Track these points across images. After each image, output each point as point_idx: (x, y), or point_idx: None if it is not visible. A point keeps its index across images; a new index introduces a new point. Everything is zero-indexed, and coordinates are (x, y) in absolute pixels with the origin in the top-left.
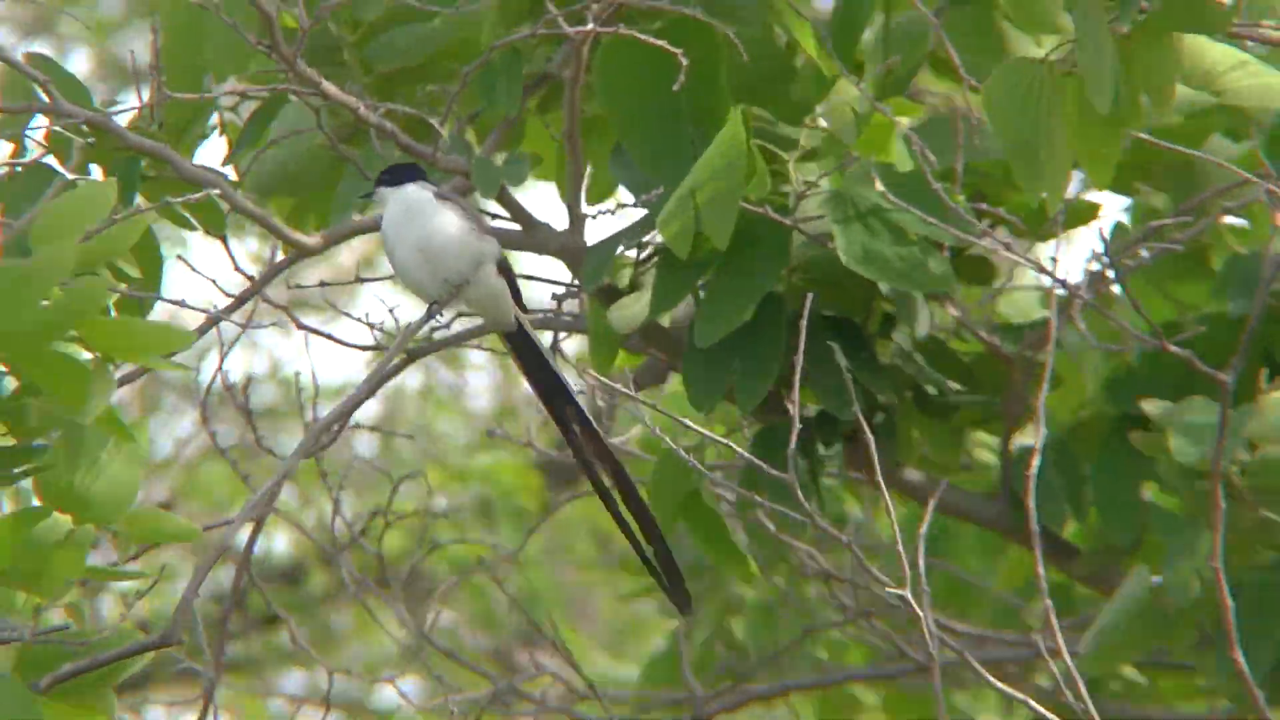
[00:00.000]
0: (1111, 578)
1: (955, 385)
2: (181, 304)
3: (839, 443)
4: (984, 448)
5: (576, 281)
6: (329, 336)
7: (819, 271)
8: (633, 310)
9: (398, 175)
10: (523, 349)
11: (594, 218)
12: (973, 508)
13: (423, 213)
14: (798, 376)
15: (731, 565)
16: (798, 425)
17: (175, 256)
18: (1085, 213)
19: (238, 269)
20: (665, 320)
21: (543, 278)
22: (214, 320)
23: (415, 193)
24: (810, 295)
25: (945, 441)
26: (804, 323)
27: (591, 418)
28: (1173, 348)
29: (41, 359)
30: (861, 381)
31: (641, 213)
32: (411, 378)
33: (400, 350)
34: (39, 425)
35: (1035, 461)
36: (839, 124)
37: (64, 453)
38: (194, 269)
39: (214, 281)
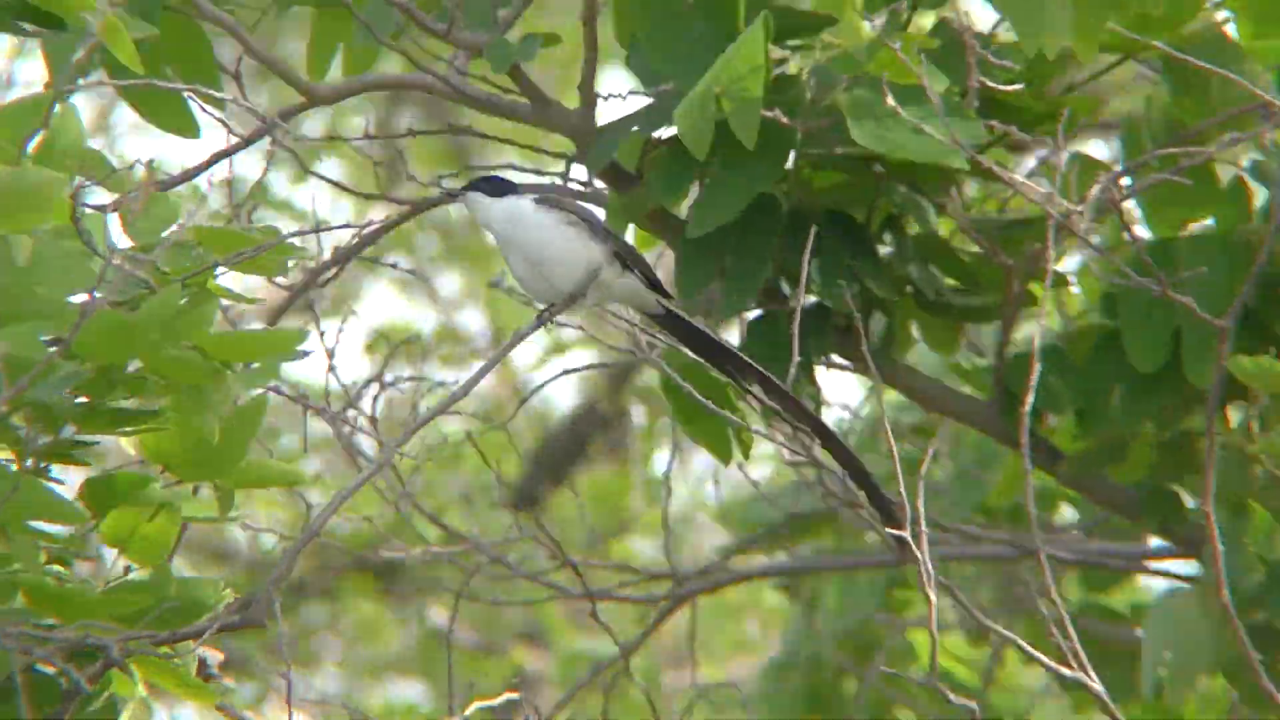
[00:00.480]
0: (1095, 483)
1: (953, 284)
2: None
3: (832, 333)
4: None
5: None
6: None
7: (825, 171)
8: (642, 199)
9: (496, 187)
10: (676, 328)
11: (605, 99)
12: (966, 410)
13: (529, 225)
14: (806, 265)
15: (714, 445)
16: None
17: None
18: (1089, 105)
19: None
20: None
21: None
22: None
23: (517, 205)
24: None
25: (942, 338)
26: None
27: (766, 373)
28: (1173, 294)
29: (160, 362)
30: (860, 276)
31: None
32: None
33: (510, 350)
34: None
35: (1034, 374)
36: (851, 44)
37: (180, 414)
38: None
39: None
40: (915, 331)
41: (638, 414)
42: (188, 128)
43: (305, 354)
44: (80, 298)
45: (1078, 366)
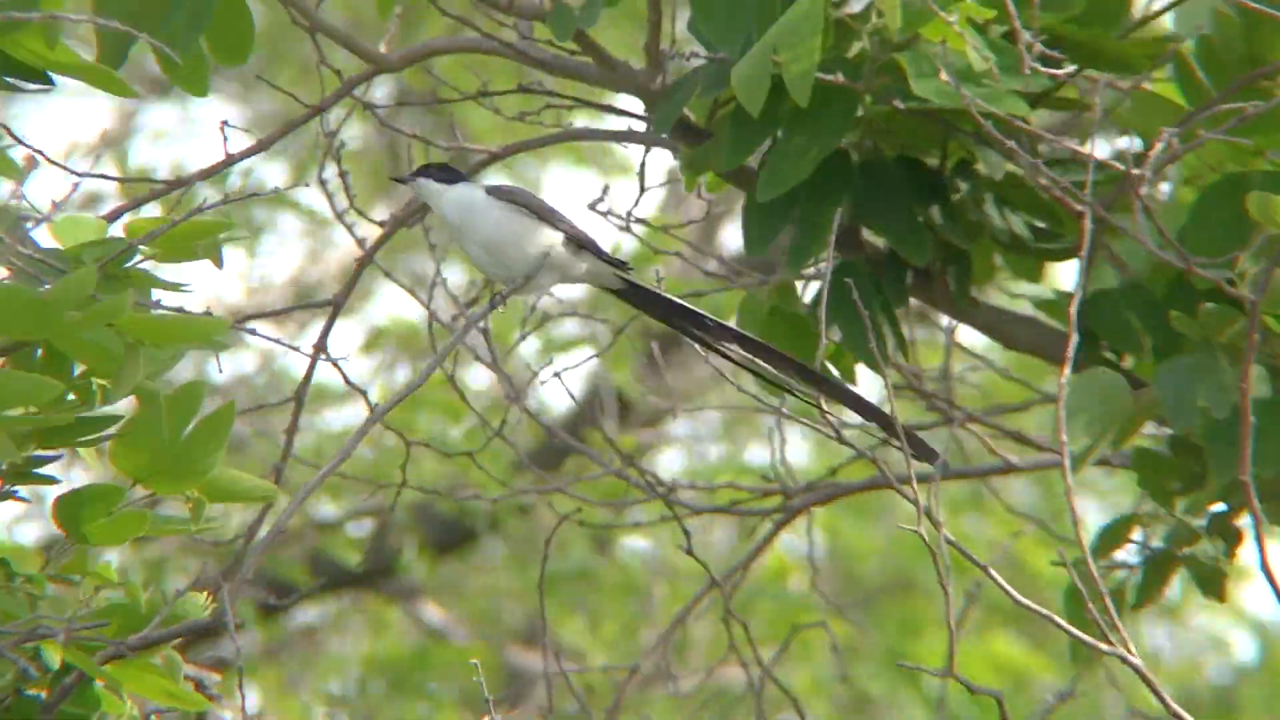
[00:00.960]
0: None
1: (1032, 223)
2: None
3: (906, 281)
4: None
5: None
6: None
7: (892, 123)
8: (711, 158)
9: (448, 175)
10: (639, 299)
11: (671, 59)
12: (1047, 346)
13: (481, 213)
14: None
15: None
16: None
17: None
18: (1155, 47)
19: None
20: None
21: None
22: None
23: (469, 193)
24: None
25: (1026, 271)
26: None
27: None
28: (1199, 270)
29: (75, 345)
30: (935, 226)
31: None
32: None
33: (467, 333)
34: (106, 398)
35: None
36: (890, 17)
37: (142, 422)
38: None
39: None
40: (998, 262)
41: None
42: (200, 84)
43: (225, 346)
44: None
45: (1156, 301)
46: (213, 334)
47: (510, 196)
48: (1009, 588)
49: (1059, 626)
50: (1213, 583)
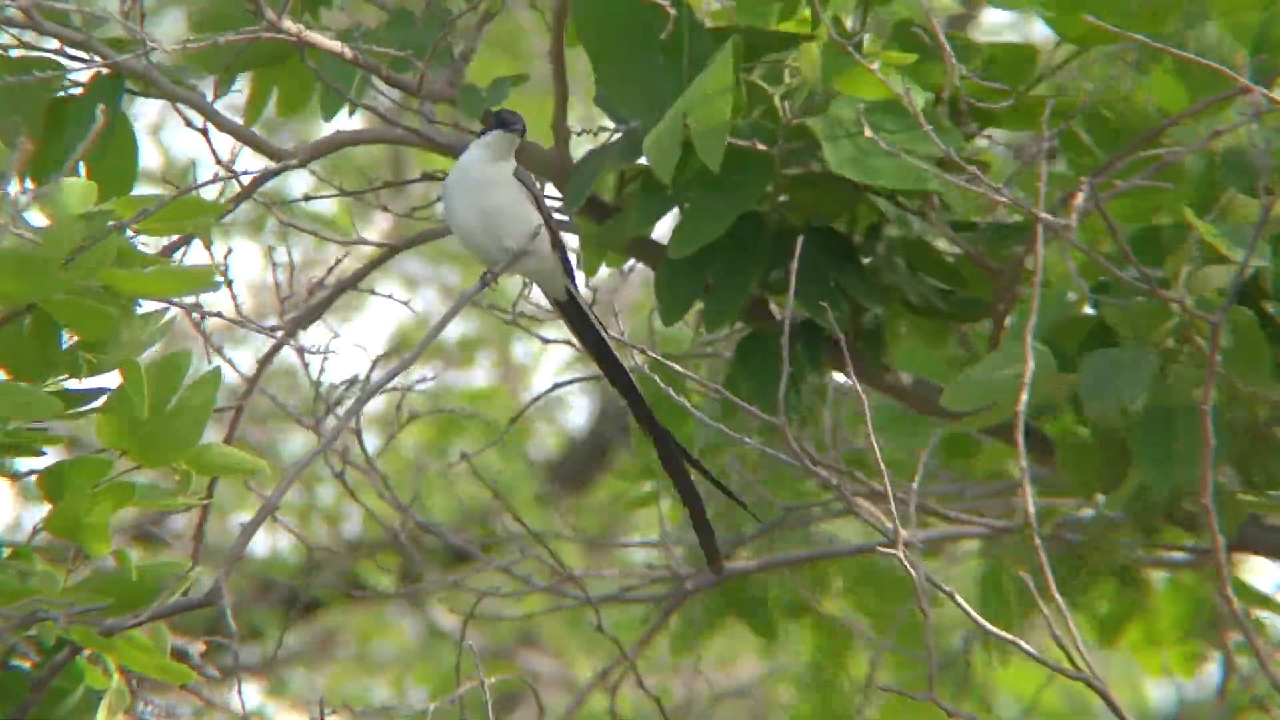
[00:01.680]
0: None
1: (942, 287)
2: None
3: (823, 345)
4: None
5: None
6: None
7: (804, 188)
8: (619, 229)
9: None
10: (574, 316)
11: (579, 134)
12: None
13: (499, 176)
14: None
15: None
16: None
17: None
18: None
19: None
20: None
21: None
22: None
23: (475, 155)
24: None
25: (933, 337)
26: (794, 258)
27: (635, 380)
28: (1163, 292)
29: (69, 309)
30: (847, 290)
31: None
32: None
33: (454, 316)
34: (94, 371)
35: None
36: (809, 69)
37: (124, 395)
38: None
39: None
40: (905, 329)
41: None
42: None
43: (217, 286)
44: None
45: (1069, 357)
46: (201, 283)
47: (526, 178)
48: (975, 614)
49: (1025, 652)
50: (1130, 578)
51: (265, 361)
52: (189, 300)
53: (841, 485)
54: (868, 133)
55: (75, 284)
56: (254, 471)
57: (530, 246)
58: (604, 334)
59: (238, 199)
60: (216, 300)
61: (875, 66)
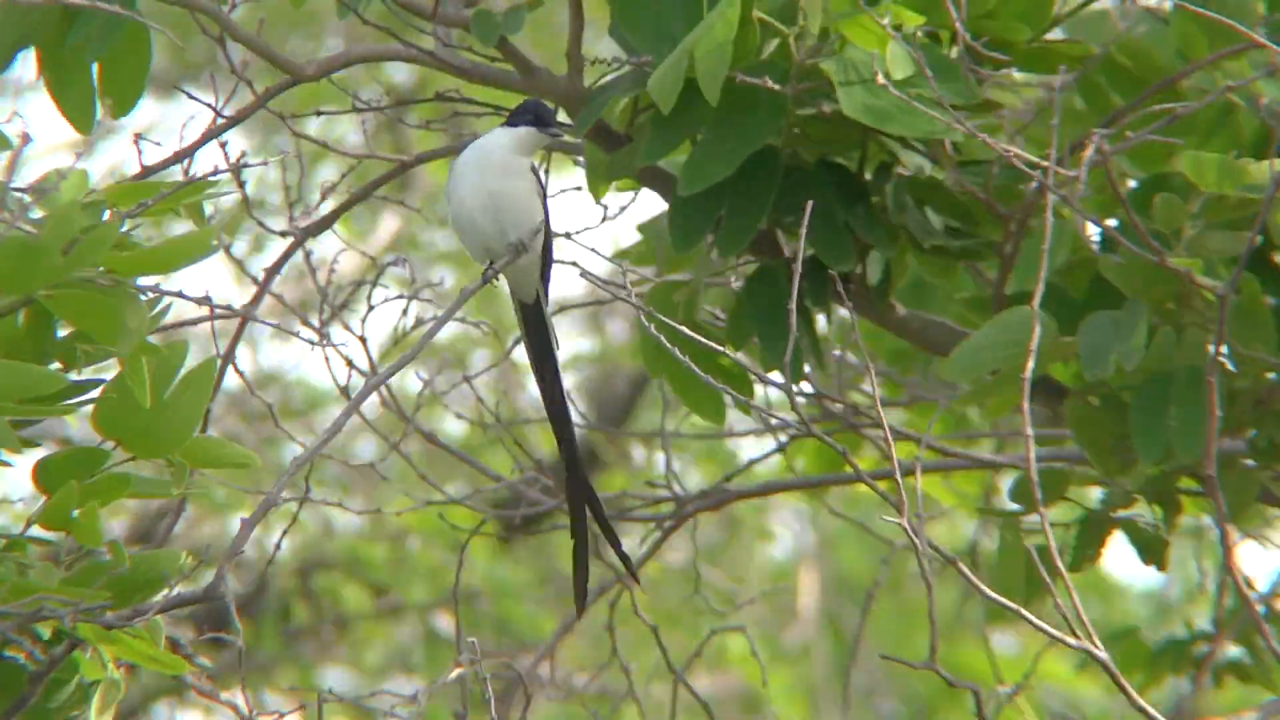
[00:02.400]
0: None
1: (950, 224)
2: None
3: (829, 282)
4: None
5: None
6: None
7: (816, 125)
8: (629, 158)
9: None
10: (532, 321)
11: (592, 64)
12: None
13: (512, 163)
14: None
15: (702, 408)
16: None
17: None
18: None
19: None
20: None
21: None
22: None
23: (500, 141)
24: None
25: (941, 273)
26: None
27: (569, 398)
28: (1170, 262)
29: (70, 303)
30: (856, 229)
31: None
32: None
33: (455, 312)
34: (90, 361)
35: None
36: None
37: (123, 386)
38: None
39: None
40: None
41: None
42: (85, 119)
43: (214, 250)
44: None
45: (1076, 301)
46: (200, 249)
47: (539, 174)
48: (977, 581)
49: (1028, 621)
50: (1153, 549)
51: (276, 266)
52: (198, 294)
53: (846, 454)
54: (880, 80)
55: (75, 273)
56: (246, 465)
57: (529, 242)
58: (553, 343)
59: (249, 110)
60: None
61: (884, 20)
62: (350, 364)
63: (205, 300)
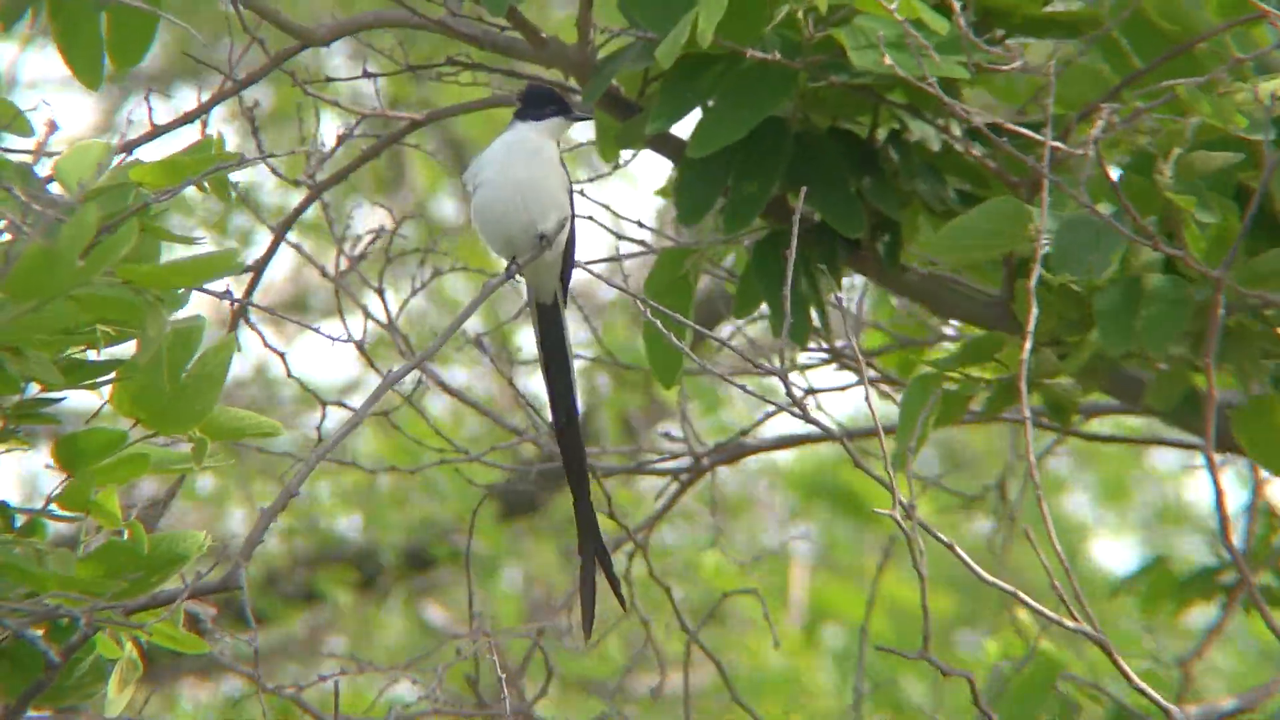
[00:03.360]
0: (1104, 372)
1: (963, 189)
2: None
3: (840, 247)
4: None
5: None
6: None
7: (824, 94)
8: (640, 126)
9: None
10: (548, 322)
11: (601, 33)
12: (975, 311)
13: (542, 152)
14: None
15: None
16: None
17: None
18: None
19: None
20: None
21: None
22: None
23: (527, 132)
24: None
25: None
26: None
27: (579, 406)
28: (1164, 247)
29: (95, 304)
30: (866, 196)
31: None
32: None
33: (484, 300)
34: (110, 342)
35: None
36: None
37: (142, 364)
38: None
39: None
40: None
41: None
42: (93, 73)
43: (241, 269)
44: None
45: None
46: (224, 268)
47: (566, 168)
48: (974, 565)
49: (1024, 603)
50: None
51: (292, 217)
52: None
53: (844, 441)
54: (898, 17)
55: (95, 279)
56: (268, 434)
57: (555, 236)
58: (568, 349)
59: (261, 72)
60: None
61: None
62: (368, 314)
63: (226, 295)
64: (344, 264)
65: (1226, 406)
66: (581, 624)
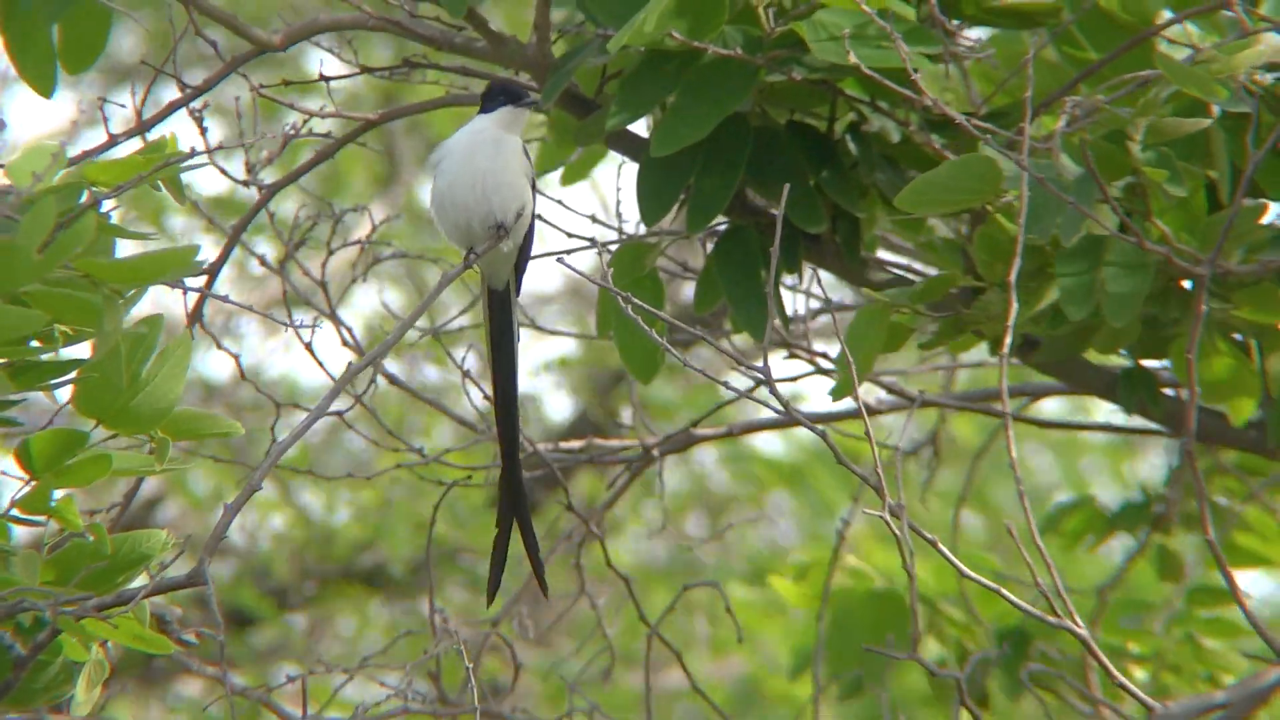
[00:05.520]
0: (1072, 368)
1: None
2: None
3: (800, 241)
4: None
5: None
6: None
7: (785, 88)
8: (598, 125)
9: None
10: (497, 309)
11: (558, 33)
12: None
13: (503, 143)
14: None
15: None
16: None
17: None
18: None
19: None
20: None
21: None
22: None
23: (484, 124)
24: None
25: (912, 227)
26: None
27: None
28: (1150, 245)
29: (51, 302)
30: (826, 190)
31: None
32: None
33: (440, 292)
34: (69, 342)
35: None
36: None
37: (101, 365)
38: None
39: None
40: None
41: None
42: (45, 81)
43: (199, 269)
44: None
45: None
46: (183, 265)
47: (529, 157)
48: (958, 562)
49: (1006, 600)
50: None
51: (247, 218)
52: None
53: (827, 438)
54: (865, 8)
55: (53, 274)
56: (229, 434)
57: (513, 226)
58: (515, 335)
59: (216, 77)
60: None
61: None
62: (309, 304)
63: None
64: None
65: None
66: (486, 590)
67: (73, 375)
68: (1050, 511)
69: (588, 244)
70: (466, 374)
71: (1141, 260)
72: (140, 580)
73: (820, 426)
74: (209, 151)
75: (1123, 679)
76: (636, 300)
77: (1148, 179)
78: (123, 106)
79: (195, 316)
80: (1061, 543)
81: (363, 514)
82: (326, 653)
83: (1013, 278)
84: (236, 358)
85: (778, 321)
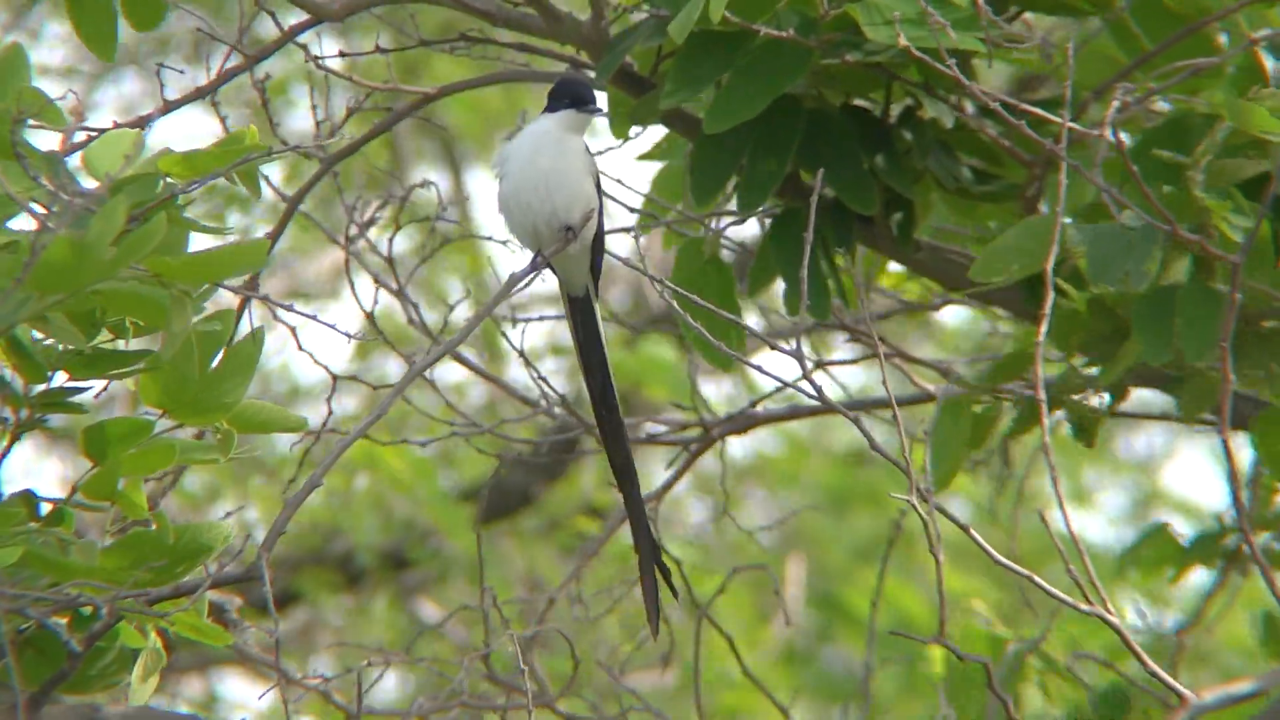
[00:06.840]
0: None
1: (975, 166)
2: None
3: (854, 223)
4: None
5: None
6: None
7: (840, 72)
8: (654, 103)
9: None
10: (582, 316)
11: (615, 9)
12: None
13: (567, 142)
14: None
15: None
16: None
17: None
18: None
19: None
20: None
21: None
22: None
23: (547, 125)
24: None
25: (963, 211)
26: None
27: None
28: (1183, 233)
29: (120, 300)
30: (879, 174)
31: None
32: None
33: (504, 297)
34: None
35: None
36: None
37: (166, 359)
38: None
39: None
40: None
41: None
42: (106, 44)
43: (269, 263)
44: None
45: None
46: (253, 260)
47: (593, 158)
48: (989, 548)
49: (1039, 586)
50: (1087, 429)
51: (305, 189)
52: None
53: (859, 422)
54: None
55: (122, 271)
56: (294, 428)
57: (580, 228)
58: (603, 342)
59: (273, 47)
60: None
61: None
62: (378, 281)
63: (241, 290)
64: (354, 231)
65: (1249, 401)
66: (648, 620)
67: (140, 365)
68: (1126, 548)
69: (627, 230)
70: (521, 355)
71: (1211, 297)
72: (197, 573)
73: (854, 414)
74: (291, 148)
75: (1157, 668)
76: (670, 286)
77: (1209, 215)
78: (181, 72)
79: (243, 308)
80: (1140, 573)
81: (330, 499)
82: (319, 642)
83: (1050, 262)
84: (294, 330)
85: (837, 301)
